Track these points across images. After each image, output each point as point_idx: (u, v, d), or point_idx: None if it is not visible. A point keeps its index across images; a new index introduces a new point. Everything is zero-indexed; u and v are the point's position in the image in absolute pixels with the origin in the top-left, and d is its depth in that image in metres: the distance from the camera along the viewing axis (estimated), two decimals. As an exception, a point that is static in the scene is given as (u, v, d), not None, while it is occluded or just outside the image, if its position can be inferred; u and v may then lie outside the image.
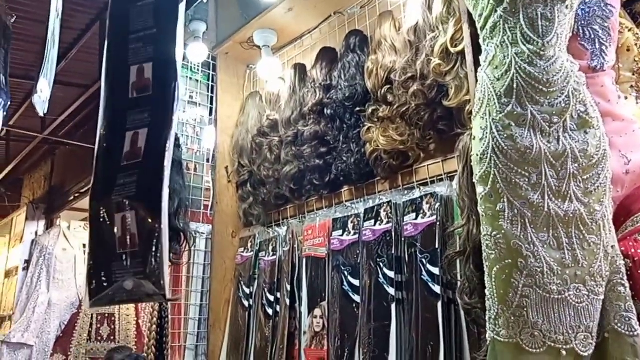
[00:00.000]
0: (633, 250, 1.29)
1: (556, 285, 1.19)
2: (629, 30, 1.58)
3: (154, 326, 2.08)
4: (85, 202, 5.08)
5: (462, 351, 1.49)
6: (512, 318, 1.19)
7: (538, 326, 1.18)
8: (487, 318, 1.24)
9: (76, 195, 4.79)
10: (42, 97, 2.34)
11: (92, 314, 4.35)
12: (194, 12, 2.67)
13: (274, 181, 2.36)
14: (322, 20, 2.38)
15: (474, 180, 1.32)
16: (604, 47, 1.51)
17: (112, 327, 4.42)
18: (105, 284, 1.46)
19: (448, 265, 1.48)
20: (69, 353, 4.23)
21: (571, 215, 1.22)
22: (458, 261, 1.40)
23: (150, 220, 1.50)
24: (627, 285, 1.23)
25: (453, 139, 1.72)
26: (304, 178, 2.21)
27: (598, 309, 1.20)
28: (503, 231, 1.22)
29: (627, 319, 1.20)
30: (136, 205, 1.51)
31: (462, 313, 1.51)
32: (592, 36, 1.51)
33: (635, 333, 1.17)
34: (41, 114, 2.40)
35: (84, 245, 5.01)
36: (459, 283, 1.38)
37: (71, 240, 4.75)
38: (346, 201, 2.06)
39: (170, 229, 2.21)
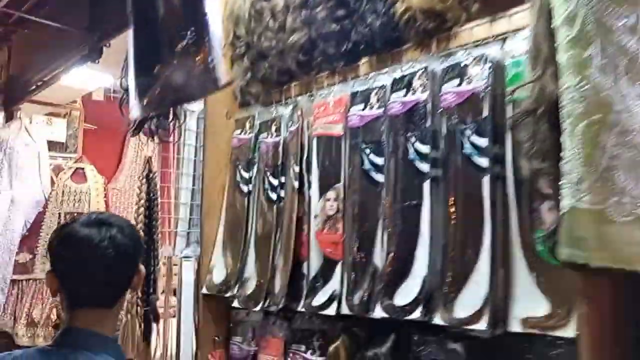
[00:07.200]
0: None
1: (650, 146, 1.01)
2: None
3: (142, 208, 1.86)
4: (48, 94, 4.62)
5: (508, 230, 1.33)
6: (599, 182, 1.01)
7: (627, 191, 1.01)
8: (564, 184, 1.07)
9: (38, 84, 4.32)
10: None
11: (59, 213, 4.12)
12: None
13: (277, 53, 2.06)
14: None
15: (556, 24, 1.09)
16: None
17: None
18: (150, 80, 1.12)
19: (512, 128, 1.28)
20: (36, 252, 4.04)
21: None
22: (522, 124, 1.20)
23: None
24: None
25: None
26: (315, 48, 1.92)
27: (692, 176, 1.04)
28: (592, 81, 1.02)
29: None
30: None
31: (511, 189, 1.34)
32: None
33: None
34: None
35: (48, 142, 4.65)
36: (525, 146, 1.18)
37: (34, 135, 4.37)
38: (365, 74, 1.80)
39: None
